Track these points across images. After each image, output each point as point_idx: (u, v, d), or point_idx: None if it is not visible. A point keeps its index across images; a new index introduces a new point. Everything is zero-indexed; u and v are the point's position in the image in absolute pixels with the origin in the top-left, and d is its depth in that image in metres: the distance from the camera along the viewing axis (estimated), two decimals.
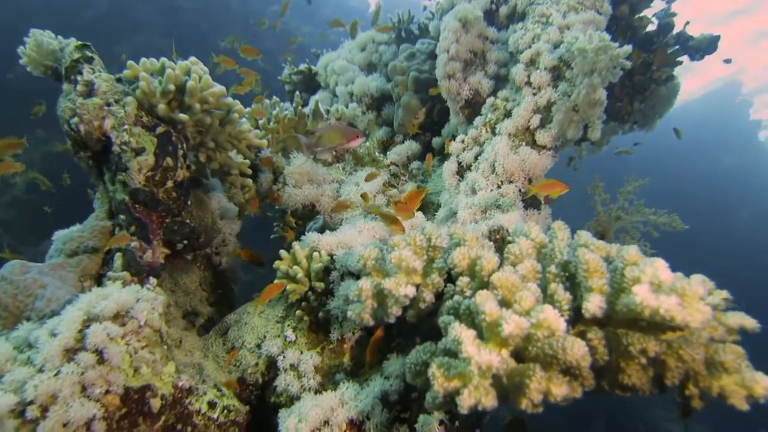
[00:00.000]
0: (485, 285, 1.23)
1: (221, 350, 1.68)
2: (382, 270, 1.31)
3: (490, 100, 2.27)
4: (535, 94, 2.08)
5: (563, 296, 1.12)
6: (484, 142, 2.19)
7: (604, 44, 1.79)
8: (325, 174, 2.39)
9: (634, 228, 2.40)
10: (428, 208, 2.41)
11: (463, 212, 1.91)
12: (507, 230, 1.55)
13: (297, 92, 2.55)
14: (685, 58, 3.10)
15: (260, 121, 2.38)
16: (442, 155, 2.84)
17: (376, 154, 2.64)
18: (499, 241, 1.52)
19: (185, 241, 1.81)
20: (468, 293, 1.23)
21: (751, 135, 17.97)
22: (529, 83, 2.11)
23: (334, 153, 2.55)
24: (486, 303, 1.04)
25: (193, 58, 1.85)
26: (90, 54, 1.68)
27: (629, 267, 1.10)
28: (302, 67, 3.91)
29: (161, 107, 1.65)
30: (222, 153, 1.84)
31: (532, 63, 2.14)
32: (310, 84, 3.93)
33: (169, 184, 1.65)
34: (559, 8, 2.25)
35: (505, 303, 1.10)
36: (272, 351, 1.59)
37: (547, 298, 1.13)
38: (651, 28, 3.12)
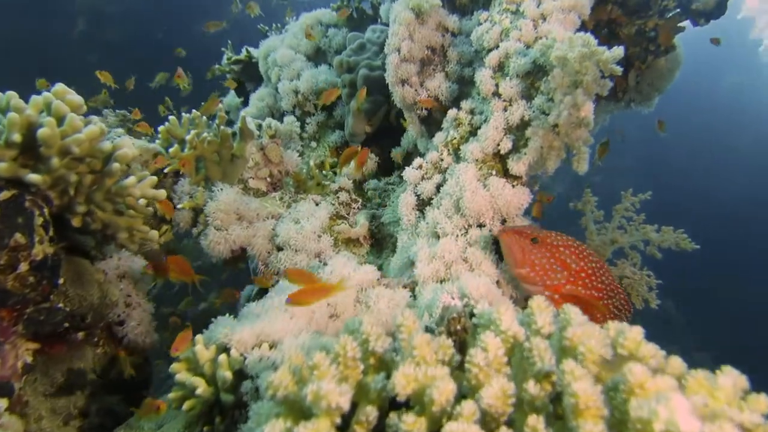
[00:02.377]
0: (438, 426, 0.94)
1: None
2: (298, 405, 1.00)
3: (452, 114, 1.92)
4: (505, 109, 1.74)
5: None
6: (446, 169, 1.85)
7: (588, 50, 1.45)
8: (258, 208, 2.03)
9: (633, 249, 2.12)
10: (385, 242, 2.09)
11: (423, 268, 1.59)
12: (472, 310, 1.25)
13: (221, 106, 2.16)
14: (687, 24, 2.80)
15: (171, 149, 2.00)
16: (403, 167, 2.50)
17: (323, 175, 2.29)
18: (461, 332, 1.21)
19: (65, 324, 1.47)
20: None
21: (752, 53, 17.91)
22: (497, 94, 1.76)
23: (269, 178, 2.19)
24: None
25: (59, 86, 1.46)
26: None
27: (635, 401, 0.81)
28: (242, 54, 3.48)
29: (3, 165, 1.28)
30: (103, 212, 1.47)
31: (500, 68, 1.79)
32: (253, 74, 3.51)
33: (23, 267, 1.29)
34: None
35: None
36: None
37: None
38: None
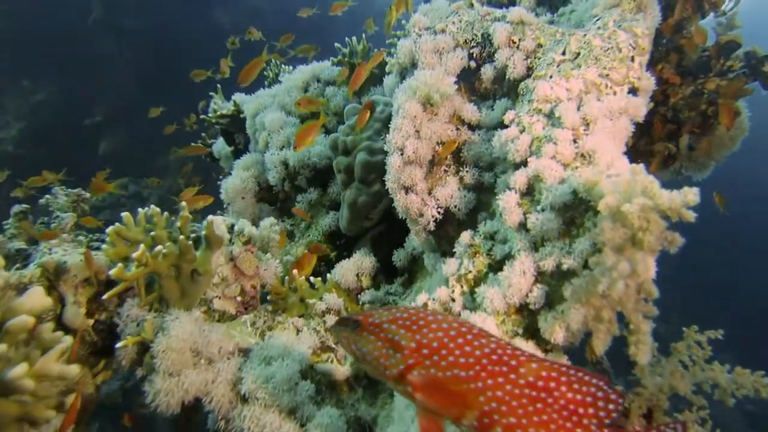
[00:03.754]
0: None
1: None
2: None
3: (465, 238, 1.55)
4: (536, 248, 1.36)
5: None
6: (458, 314, 1.48)
7: (652, 203, 1.08)
8: (221, 340, 1.67)
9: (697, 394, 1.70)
10: (382, 385, 1.71)
11: None
12: None
13: (184, 204, 1.80)
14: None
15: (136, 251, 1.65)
16: (407, 272, 2.13)
17: (310, 285, 1.92)
18: None
19: None
20: None
21: None
22: (525, 227, 1.39)
23: (239, 297, 1.83)
24: None
25: None
26: None
27: None
28: (228, 108, 3.15)
29: None
30: None
31: (529, 192, 1.42)
32: (243, 126, 3.18)
33: None
34: (571, 87, 1.52)
35: None
36: None
37: None
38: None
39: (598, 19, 1.84)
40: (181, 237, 1.72)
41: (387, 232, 2.18)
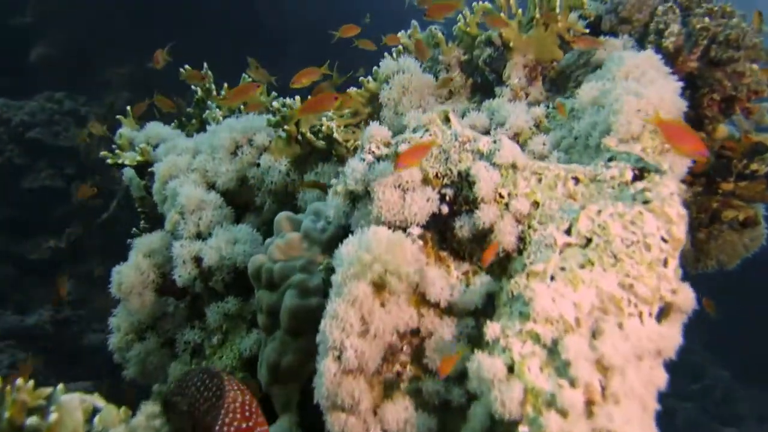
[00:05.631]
0: None
1: None
2: None
3: None
4: None
5: None
6: None
7: None
8: None
9: None
10: None
11: None
12: None
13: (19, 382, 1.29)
14: None
15: None
16: None
17: None
18: None
19: None
20: None
21: None
22: None
23: None
24: None
25: None
26: None
27: None
28: (133, 159, 2.55)
29: None
30: None
31: None
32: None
33: None
34: (579, 301, 1.12)
35: None
36: None
37: None
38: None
39: (611, 161, 1.46)
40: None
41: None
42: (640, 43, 2.08)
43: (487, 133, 1.95)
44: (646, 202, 1.26)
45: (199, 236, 2.13)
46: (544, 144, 1.82)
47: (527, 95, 2.12)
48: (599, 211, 1.26)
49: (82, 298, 5.72)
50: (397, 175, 1.42)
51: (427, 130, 1.51)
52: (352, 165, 1.49)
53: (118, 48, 7.09)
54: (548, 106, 2.01)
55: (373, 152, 1.51)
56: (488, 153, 1.42)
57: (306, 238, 1.76)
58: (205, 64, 2.84)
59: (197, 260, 2.07)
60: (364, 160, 1.50)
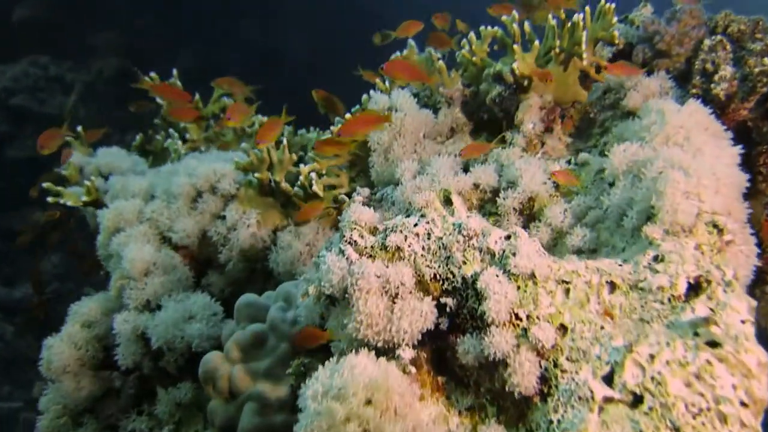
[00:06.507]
0: None
1: None
2: None
3: None
4: None
5: None
6: None
7: None
8: None
9: None
10: None
11: None
12: None
13: None
14: None
15: None
16: None
17: None
18: None
19: None
20: None
21: None
22: None
23: None
24: None
25: None
26: None
27: None
28: (77, 200, 2.20)
29: None
30: None
31: None
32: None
33: None
34: None
35: None
36: None
37: None
38: None
39: (656, 261, 1.15)
40: None
41: None
42: (681, 84, 1.76)
43: (496, 193, 1.63)
44: (714, 344, 0.95)
45: (148, 306, 1.81)
46: (564, 214, 1.51)
47: (543, 144, 1.80)
48: (651, 357, 0.95)
49: (68, 270, 5.47)
50: (384, 279, 1.10)
51: (423, 216, 1.19)
52: (329, 261, 1.17)
53: (100, 11, 6.83)
54: (569, 162, 1.69)
55: (355, 242, 1.19)
56: (501, 256, 1.10)
57: (273, 332, 1.44)
58: (175, 72, 2.48)
59: (144, 339, 1.75)
60: (343, 253, 1.18)
